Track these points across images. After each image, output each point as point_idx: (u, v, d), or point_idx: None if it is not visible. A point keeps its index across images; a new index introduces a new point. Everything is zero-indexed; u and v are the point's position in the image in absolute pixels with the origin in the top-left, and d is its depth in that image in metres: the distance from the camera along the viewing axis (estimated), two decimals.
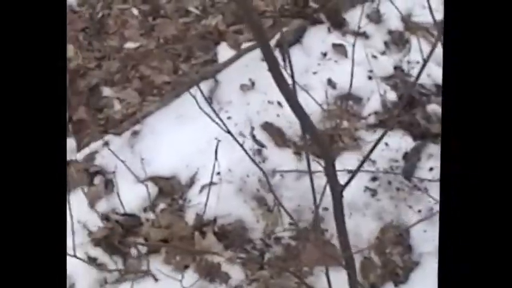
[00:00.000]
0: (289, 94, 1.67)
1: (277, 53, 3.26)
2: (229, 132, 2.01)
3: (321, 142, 1.85)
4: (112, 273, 2.62)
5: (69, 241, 2.62)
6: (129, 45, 3.56)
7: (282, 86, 1.63)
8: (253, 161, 2.14)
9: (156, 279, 2.32)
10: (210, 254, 2.65)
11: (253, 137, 2.93)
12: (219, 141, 2.52)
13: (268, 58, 1.58)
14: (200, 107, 2.12)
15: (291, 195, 2.81)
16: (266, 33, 1.66)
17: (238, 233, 2.74)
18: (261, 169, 2.17)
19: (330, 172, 1.81)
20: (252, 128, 2.97)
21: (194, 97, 2.07)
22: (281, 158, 2.95)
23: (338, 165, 1.93)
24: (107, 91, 3.31)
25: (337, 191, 1.83)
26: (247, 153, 2.12)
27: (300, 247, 2.73)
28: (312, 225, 2.73)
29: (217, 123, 2.04)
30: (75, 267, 2.63)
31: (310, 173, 1.98)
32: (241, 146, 2.08)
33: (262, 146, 2.93)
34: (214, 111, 2.07)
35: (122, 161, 2.76)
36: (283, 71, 1.61)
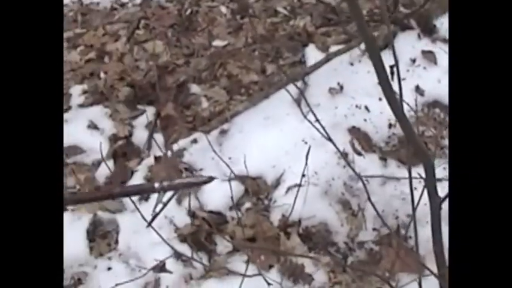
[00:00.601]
0: (395, 103, 1.67)
1: (366, 58, 3.26)
2: (330, 139, 2.01)
3: (422, 152, 1.84)
4: (197, 269, 2.65)
5: (155, 236, 2.67)
6: (217, 43, 3.59)
7: (388, 95, 1.63)
8: (353, 170, 2.15)
9: (269, 284, 2.33)
10: (294, 255, 2.67)
11: (353, 145, 2.93)
12: (310, 146, 2.53)
13: (377, 66, 1.58)
14: (304, 115, 2.12)
15: (376, 201, 2.80)
16: (375, 39, 1.65)
17: (322, 236, 2.74)
18: (360, 178, 2.18)
19: (431, 182, 1.81)
20: (352, 138, 2.97)
21: (298, 102, 2.07)
22: (366, 163, 2.95)
23: (423, 173, 1.91)
24: (194, 88, 3.35)
25: (436, 202, 1.83)
26: (346, 161, 2.13)
27: (383, 252, 2.73)
28: (396, 232, 2.73)
29: (317, 129, 2.05)
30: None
31: (411, 180, 1.97)
32: (342, 153, 2.08)
33: (360, 154, 2.93)
34: (315, 116, 2.07)
35: (223, 161, 2.78)
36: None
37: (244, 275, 2.26)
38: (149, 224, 2.42)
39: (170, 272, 2.58)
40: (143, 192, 2.54)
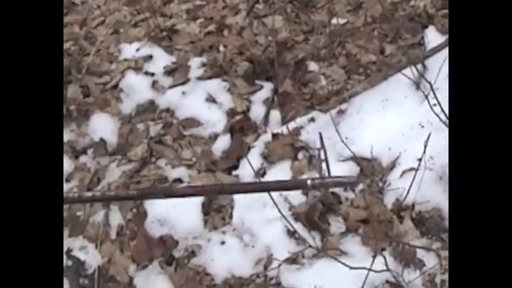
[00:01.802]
0: None
1: None
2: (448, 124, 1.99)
3: None
4: (309, 248, 2.67)
5: (269, 213, 2.70)
6: (336, 21, 3.58)
7: None
8: None
9: (396, 283, 2.34)
10: (406, 239, 2.66)
11: None
12: (430, 133, 2.50)
13: None
14: (426, 97, 2.10)
15: None
16: None
17: (436, 222, 2.72)
18: None
19: None
20: None
21: (417, 85, 2.05)
22: None
23: None
24: (312, 66, 3.35)
25: None
26: None
27: None
28: None
29: (436, 113, 2.03)
30: (272, 238, 2.71)
31: None
32: None
33: None
34: (437, 100, 2.05)
35: (344, 142, 2.77)
36: None
37: (369, 269, 2.27)
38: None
39: (301, 264, 2.62)
40: (295, 188, 2.59)
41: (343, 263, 2.31)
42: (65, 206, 3.01)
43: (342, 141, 2.60)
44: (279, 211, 2.25)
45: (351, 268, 2.27)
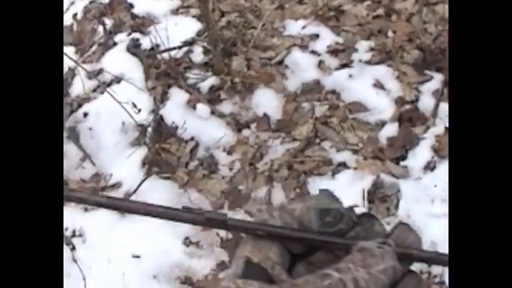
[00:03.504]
0: None
1: None
2: None
3: None
4: None
5: (437, 208, 2.66)
6: None
7: None
8: None
9: None
10: None
11: None
12: None
13: None
14: None
15: None
16: None
17: None
18: None
19: None
20: None
21: None
22: None
23: None
24: None
25: None
26: None
27: None
28: None
29: None
30: (438, 235, 2.67)
31: None
32: None
33: None
34: None
35: None
36: None
37: None
38: None
39: None
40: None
41: None
42: (226, 179, 3.04)
43: None
44: None
45: None
